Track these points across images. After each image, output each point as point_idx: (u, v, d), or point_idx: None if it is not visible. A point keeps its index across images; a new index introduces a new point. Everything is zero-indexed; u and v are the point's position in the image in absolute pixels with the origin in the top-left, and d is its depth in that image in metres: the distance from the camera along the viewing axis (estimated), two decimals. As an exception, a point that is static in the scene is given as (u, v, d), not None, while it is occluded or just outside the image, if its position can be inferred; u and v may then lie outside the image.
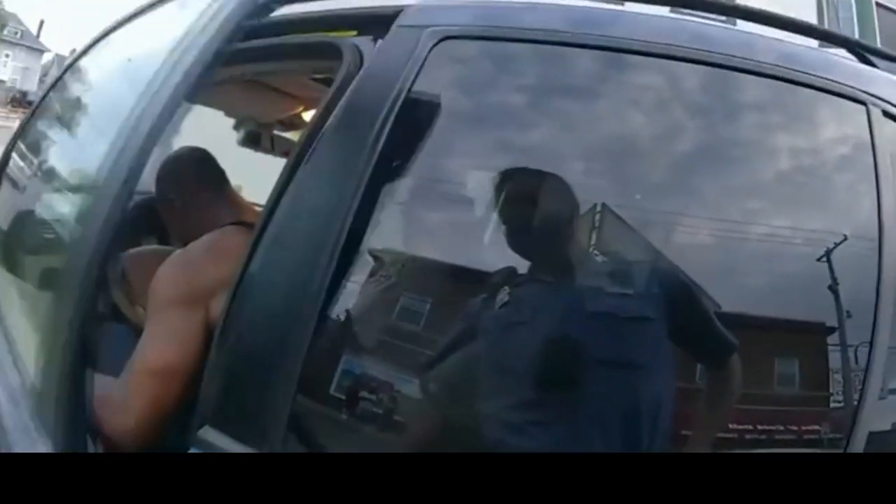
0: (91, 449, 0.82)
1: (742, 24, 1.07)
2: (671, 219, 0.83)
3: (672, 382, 0.79)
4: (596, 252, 0.82)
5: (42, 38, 30.03)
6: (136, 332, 1.36)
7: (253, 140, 1.71)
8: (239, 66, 1.08)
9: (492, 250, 0.82)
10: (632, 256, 0.84)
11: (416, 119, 0.78)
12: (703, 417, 0.81)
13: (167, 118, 0.74)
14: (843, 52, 1.08)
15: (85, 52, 1.39)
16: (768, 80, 0.86)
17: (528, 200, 0.82)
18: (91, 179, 0.86)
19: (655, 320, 0.79)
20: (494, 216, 0.83)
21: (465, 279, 0.83)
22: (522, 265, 0.81)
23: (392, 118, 0.75)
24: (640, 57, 0.83)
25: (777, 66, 0.86)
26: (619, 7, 0.98)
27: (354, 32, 0.86)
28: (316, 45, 0.89)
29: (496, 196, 0.82)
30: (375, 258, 0.82)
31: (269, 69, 1.09)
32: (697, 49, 0.84)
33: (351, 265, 0.76)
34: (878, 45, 1.11)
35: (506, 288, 0.79)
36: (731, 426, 0.80)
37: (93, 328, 0.77)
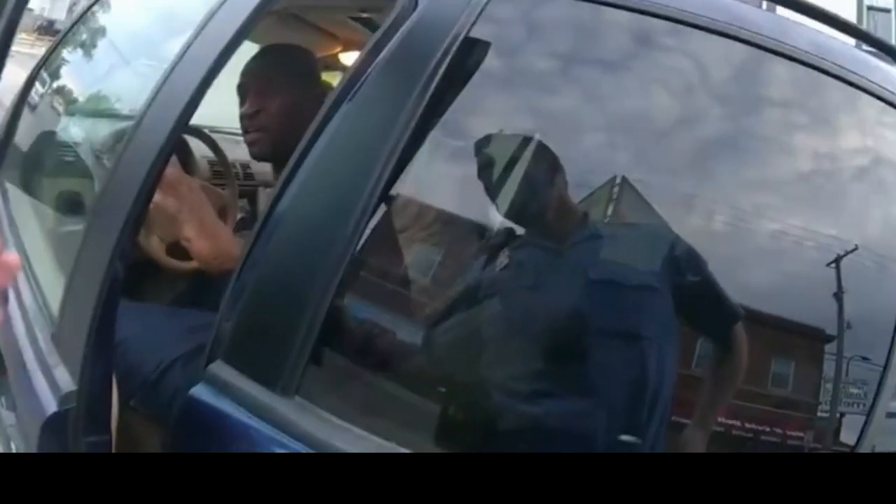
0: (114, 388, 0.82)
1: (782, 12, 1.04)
2: (687, 200, 0.82)
3: (676, 353, 0.79)
4: (607, 222, 0.81)
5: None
6: (150, 262, 1.35)
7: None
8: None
9: (501, 211, 0.81)
10: (639, 228, 0.83)
11: (465, 70, 0.76)
12: (709, 389, 0.81)
13: (228, 56, 0.72)
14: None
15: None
16: (806, 69, 0.84)
17: (525, 166, 0.81)
18: (137, 111, 0.85)
19: (659, 289, 0.78)
20: (504, 178, 0.81)
21: (475, 238, 0.83)
22: (525, 228, 0.80)
23: (443, 66, 0.72)
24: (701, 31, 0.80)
25: (819, 57, 0.84)
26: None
27: None
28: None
29: (501, 161, 0.80)
30: (406, 206, 0.80)
31: (313, 4, 1.05)
32: (742, 28, 0.82)
33: (383, 211, 0.74)
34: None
35: (506, 250, 0.78)
36: (719, 420, 0.80)
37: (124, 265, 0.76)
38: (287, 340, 0.69)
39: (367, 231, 0.72)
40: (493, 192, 0.79)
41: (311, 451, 0.68)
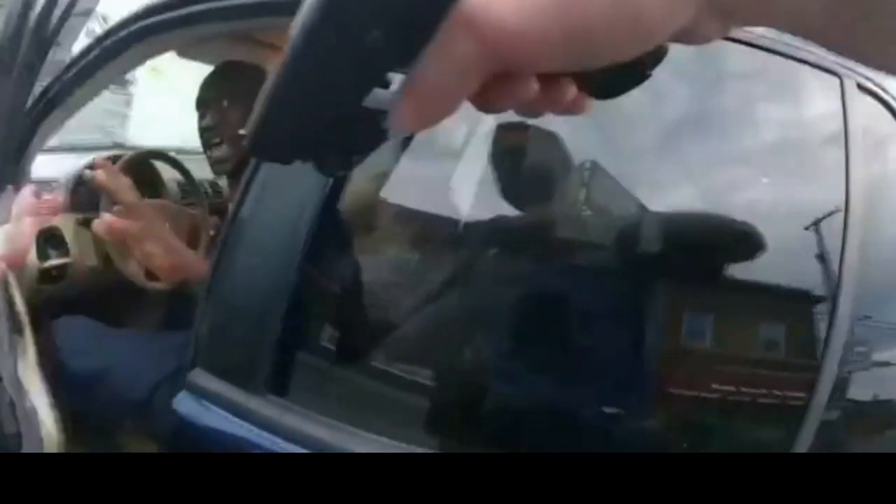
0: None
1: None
2: (645, 179, 0.84)
3: (659, 330, 0.80)
4: (584, 207, 0.83)
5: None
6: (131, 287, 1.37)
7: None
8: (232, 22, 1.08)
9: (478, 202, 0.82)
10: (613, 212, 0.85)
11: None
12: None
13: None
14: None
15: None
16: (740, 46, 0.84)
17: (520, 152, 0.82)
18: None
19: (637, 271, 0.80)
20: (485, 167, 0.83)
21: (451, 231, 0.83)
22: (509, 216, 0.81)
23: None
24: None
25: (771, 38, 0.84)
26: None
27: None
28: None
29: (490, 147, 0.82)
30: (364, 209, 0.83)
31: (270, 24, 1.08)
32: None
33: (338, 215, 0.77)
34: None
35: (493, 239, 0.80)
36: (713, 386, 0.81)
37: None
38: (255, 342, 0.73)
39: (326, 231, 0.75)
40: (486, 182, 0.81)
41: (289, 445, 0.71)
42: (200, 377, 0.77)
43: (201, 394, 0.76)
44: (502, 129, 0.82)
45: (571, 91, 0.26)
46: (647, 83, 0.27)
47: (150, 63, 1.34)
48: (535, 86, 0.25)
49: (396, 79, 0.25)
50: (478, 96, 0.25)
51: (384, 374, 0.78)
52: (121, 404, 1.15)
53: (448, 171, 0.86)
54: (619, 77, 0.27)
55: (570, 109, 0.27)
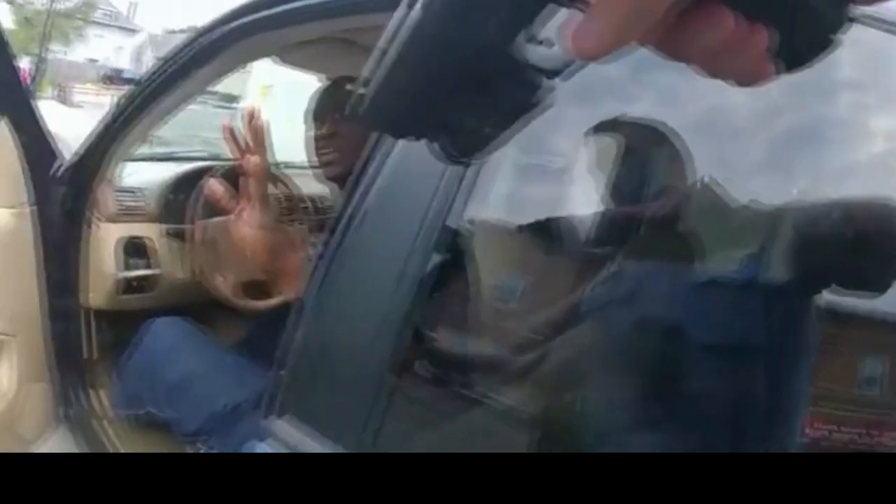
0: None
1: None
2: (768, 197, 0.67)
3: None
4: (700, 221, 0.70)
5: (136, 20, 31.81)
6: (211, 300, 1.31)
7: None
8: (334, 21, 1.00)
9: (596, 221, 0.72)
10: (732, 225, 0.69)
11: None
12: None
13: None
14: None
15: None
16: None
17: (641, 154, 0.71)
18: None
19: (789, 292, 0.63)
20: (599, 177, 0.72)
21: (568, 254, 0.73)
22: (627, 232, 0.70)
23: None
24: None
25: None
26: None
27: None
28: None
29: (604, 151, 0.72)
30: (475, 234, 0.71)
31: (364, 26, 0.99)
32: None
33: (451, 244, 0.65)
34: None
35: (610, 261, 0.67)
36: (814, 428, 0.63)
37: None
38: (358, 388, 0.62)
39: (440, 260, 0.63)
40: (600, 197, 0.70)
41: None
42: (292, 424, 0.67)
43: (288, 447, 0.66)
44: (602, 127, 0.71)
45: (765, 40, 0.22)
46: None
47: (260, 81, 1.29)
48: (731, 21, 0.21)
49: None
50: (663, 28, 0.22)
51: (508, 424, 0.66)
52: (197, 409, 1.16)
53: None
54: (806, 42, 0.24)
55: (753, 70, 0.24)
